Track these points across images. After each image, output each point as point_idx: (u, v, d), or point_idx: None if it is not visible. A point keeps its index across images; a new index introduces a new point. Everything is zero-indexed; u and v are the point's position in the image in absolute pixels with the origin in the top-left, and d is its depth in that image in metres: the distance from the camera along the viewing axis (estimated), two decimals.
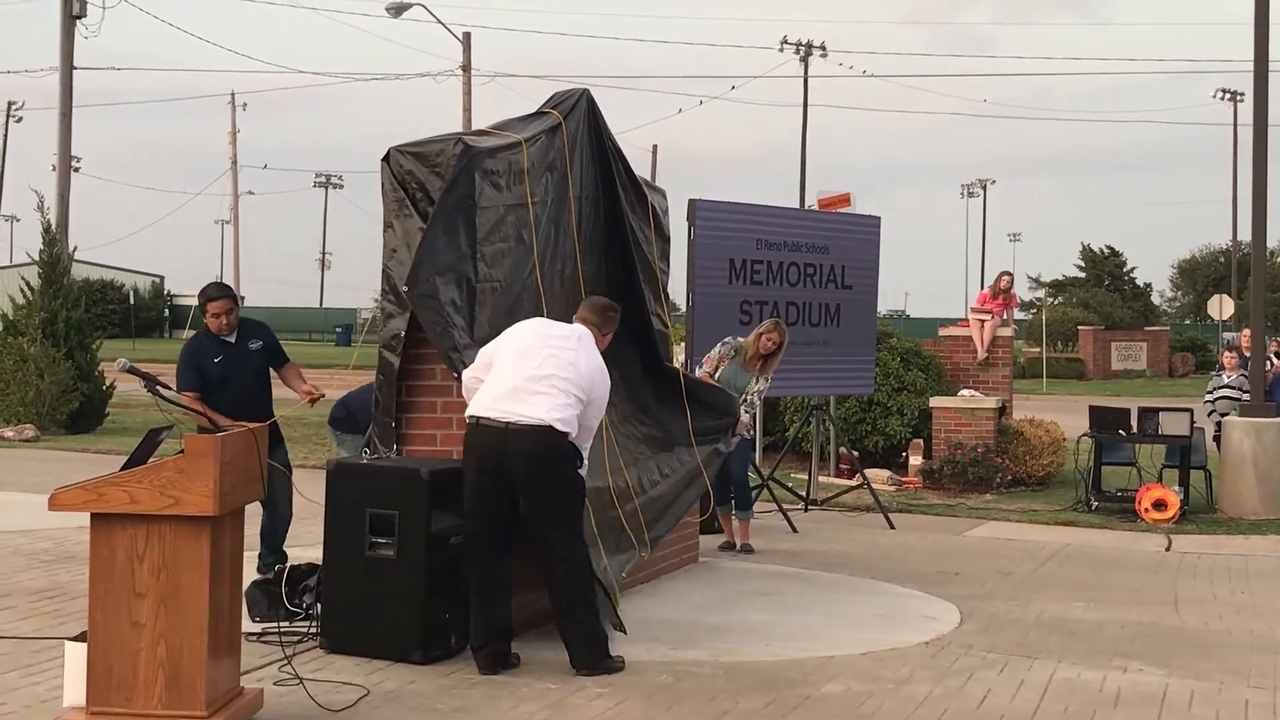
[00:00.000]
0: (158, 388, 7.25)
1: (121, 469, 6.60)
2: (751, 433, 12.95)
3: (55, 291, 24.08)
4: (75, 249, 26.83)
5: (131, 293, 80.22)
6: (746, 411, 12.36)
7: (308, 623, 8.51)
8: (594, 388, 8.16)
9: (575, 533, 8.19)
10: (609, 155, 10.49)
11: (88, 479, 6.57)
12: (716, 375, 12.48)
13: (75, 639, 6.86)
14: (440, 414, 8.88)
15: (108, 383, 24.49)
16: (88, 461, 18.48)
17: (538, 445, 7.90)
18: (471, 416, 8.03)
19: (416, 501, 8.00)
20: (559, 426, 7.92)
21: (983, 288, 23.20)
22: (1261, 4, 17.34)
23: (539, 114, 9.94)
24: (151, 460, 6.71)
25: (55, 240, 25.10)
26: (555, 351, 8.08)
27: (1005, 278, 21.34)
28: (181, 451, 6.46)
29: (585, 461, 8.25)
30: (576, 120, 10.13)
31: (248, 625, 8.02)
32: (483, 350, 8.25)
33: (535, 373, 7.97)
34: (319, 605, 8.46)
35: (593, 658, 8.08)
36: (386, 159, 8.83)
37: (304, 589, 8.76)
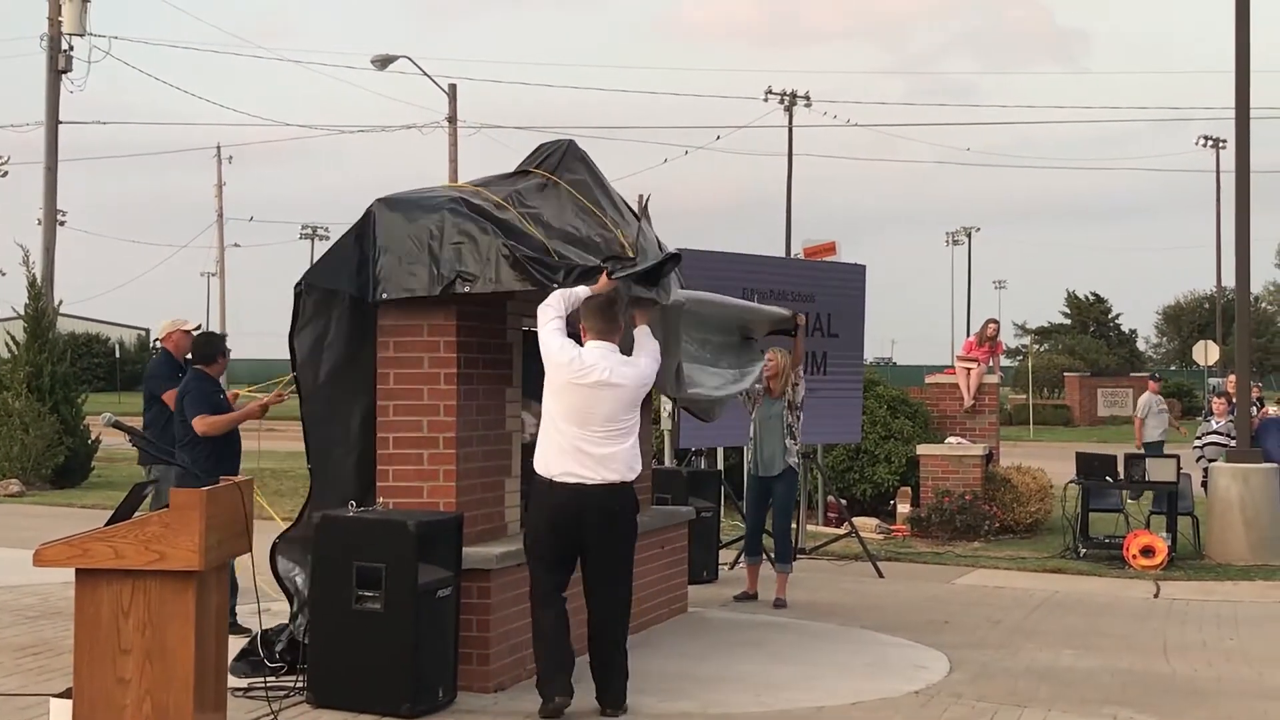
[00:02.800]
0: (143, 442, 7.23)
1: (106, 524, 6.58)
2: (798, 462, 13.02)
3: (41, 345, 24.05)
4: (61, 303, 26.81)
5: (117, 346, 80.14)
6: (796, 416, 12.76)
7: (294, 677, 8.46)
8: (644, 371, 8.36)
9: (630, 582, 8.56)
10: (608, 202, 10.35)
11: (73, 534, 6.55)
12: (755, 415, 12.81)
13: (60, 696, 6.82)
14: (427, 465, 8.84)
15: (93, 437, 24.43)
16: (73, 516, 18.40)
17: (613, 501, 8.22)
18: (544, 479, 8.17)
19: (403, 554, 7.96)
20: (630, 478, 8.27)
21: (969, 335, 23.26)
22: (1242, 51, 17.46)
23: (522, 173, 9.82)
24: (137, 515, 6.69)
25: (41, 294, 25.09)
26: (602, 411, 8.14)
27: (992, 325, 21.39)
28: (166, 506, 6.43)
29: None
30: (572, 172, 10.01)
31: (234, 681, 7.98)
32: (563, 342, 8.19)
33: (596, 433, 8.13)
34: (304, 658, 8.40)
35: (622, 698, 8.31)
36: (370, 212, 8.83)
37: (276, 643, 8.74)
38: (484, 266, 8.64)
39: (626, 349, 8.45)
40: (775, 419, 12.65)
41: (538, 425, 8.51)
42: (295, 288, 8.88)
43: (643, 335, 8.61)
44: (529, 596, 8.39)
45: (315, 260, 8.89)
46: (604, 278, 8.46)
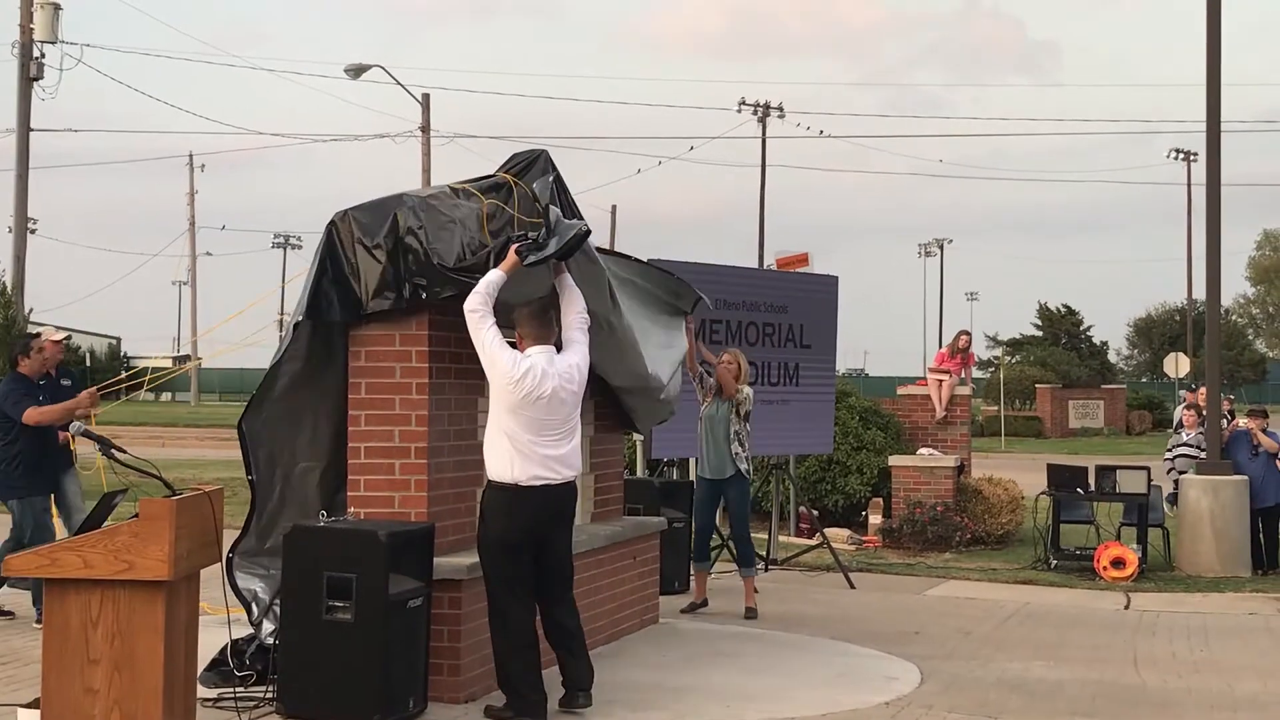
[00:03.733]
0: (113, 451, 7.20)
1: (75, 533, 6.55)
2: (748, 468, 12.98)
3: (9, 354, 23.92)
4: (31, 311, 26.71)
5: (88, 354, 79.81)
6: (744, 425, 12.74)
7: (264, 687, 8.43)
8: (584, 370, 8.63)
9: None
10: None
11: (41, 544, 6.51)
12: (702, 412, 12.83)
13: (28, 706, 6.79)
14: (399, 475, 8.83)
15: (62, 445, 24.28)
16: None
17: (571, 497, 8.63)
18: (510, 484, 8.29)
19: (374, 564, 7.94)
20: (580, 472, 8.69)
21: (941, 347, 23.31)
22: (1213, 66, 17.55)
23: (489, 179, 9.84)
24: (106, 524, 6.66)
25: (11, 302, 25.03)
26: (558, 416, 8.41)
27: (964, 337, 21.44)
28: (136, 515, 6.41)
29: None
30: (533, 179, 10.09)
31: (203, 691, 7.95)
32: (511, 355, 8.31)
33: (551, 437, 8.38)
34: (274, 667, 8.37)
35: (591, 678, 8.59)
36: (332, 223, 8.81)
37: (246, 652, 8.70)
38: (429, 274, 8.66)
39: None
40: (722, 422, 12.64)
41: None
42: (293, 324, 8.89)
43: (567, 292, 8.78)
44: (497, 616, 8.44)
45: (305, 292, 8.85)
46: (512, 254, 8.45)
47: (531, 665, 8.38)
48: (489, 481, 8.46)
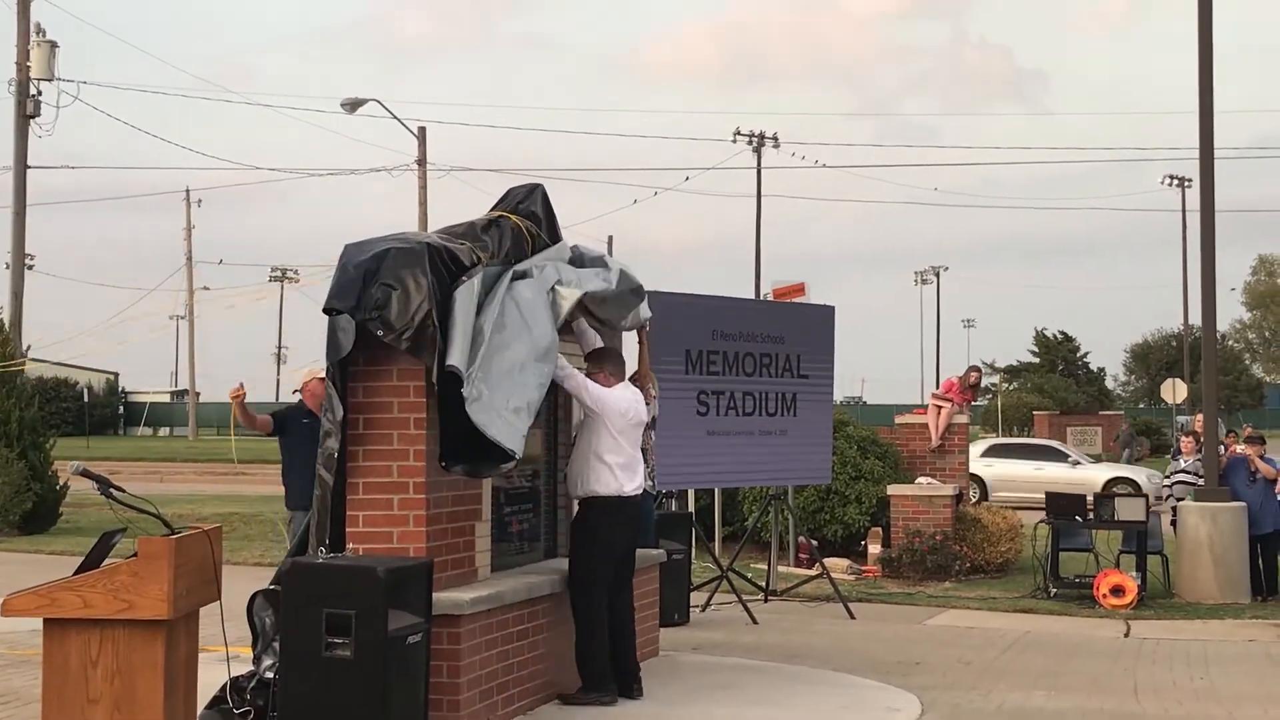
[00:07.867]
0: (111, 490, 7.20)
1: (75, 572, 6.56)
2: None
3: (9, 391, 23.90)
4: (29, 347, 26.70)
5: (85, 390, 79.69)
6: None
7: None
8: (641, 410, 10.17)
9: None
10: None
11: (40, 583, 6.52)
12: None
13: None
14: (397, 511, 8.81)
15: (61, 483, 24.27)
16: (41, 563, 18.27)
17: (641, 505, 10.14)
18: (615, 497, 9.75)
19: (373, 601, 7.92)
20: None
21: (938, 374, 23.35)
22: (1206, 93, 17.62)
23: (491, 221, 9.86)
24: (106, 563, 6.66)
25: (9, 339, 24.99)
26: (638, 432, 10.06)
27: (974, 374, 21.49)
28: (135, 554, 6.41)
29: None
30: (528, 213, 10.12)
31: None
32: (614, 391, 9.88)
33: (634, 454, 9.96)
34: (274, 704, 8.34)
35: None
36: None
37: (246, 688, 8.67)
38: (404, 319, 8.63)
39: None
40: None
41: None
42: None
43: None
44: (591, 608, 9.68)
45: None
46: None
47: (604, 646, 9.70)
48: (588, 500, 9.83)
